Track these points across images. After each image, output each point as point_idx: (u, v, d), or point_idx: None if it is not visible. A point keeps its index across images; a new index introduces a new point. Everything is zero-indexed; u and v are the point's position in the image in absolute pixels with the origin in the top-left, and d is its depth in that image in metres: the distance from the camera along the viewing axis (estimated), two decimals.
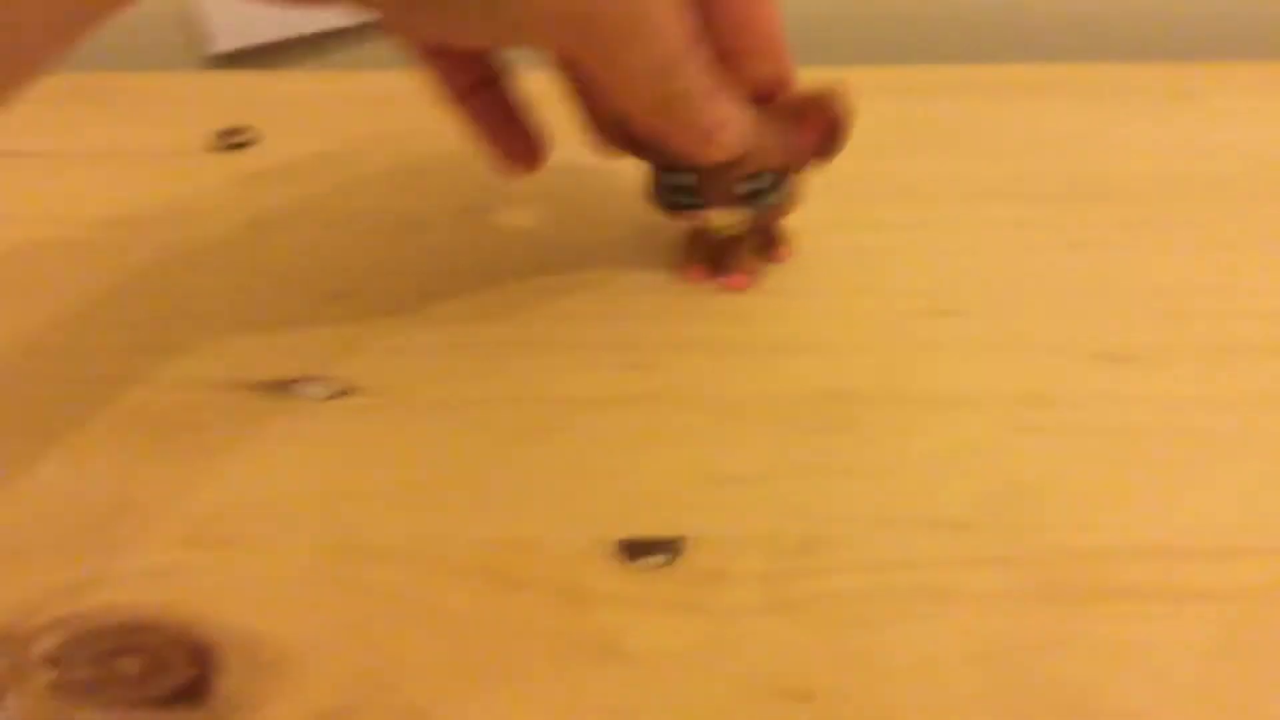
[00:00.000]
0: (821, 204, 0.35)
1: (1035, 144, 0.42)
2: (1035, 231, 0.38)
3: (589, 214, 0.37)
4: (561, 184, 0.39)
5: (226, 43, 0.48)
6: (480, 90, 0.33)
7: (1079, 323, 0.34)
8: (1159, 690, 0.24)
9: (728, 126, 0.31)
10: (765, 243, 0.36)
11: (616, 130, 0.33)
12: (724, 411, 0.31)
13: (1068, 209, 0.39)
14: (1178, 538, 0.27)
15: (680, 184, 0.32)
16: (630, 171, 0.34)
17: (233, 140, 0.42)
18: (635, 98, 0.29)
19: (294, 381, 0.32)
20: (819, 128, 0.32)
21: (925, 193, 0.39)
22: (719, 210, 0.32)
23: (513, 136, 0.34)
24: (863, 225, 0.38)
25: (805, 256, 0.36)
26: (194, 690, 0.24)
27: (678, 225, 0.35)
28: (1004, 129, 0.43)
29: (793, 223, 0.35)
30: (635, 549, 0.27)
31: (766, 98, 0.32)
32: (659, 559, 0.27)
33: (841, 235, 0.37)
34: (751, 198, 0.32)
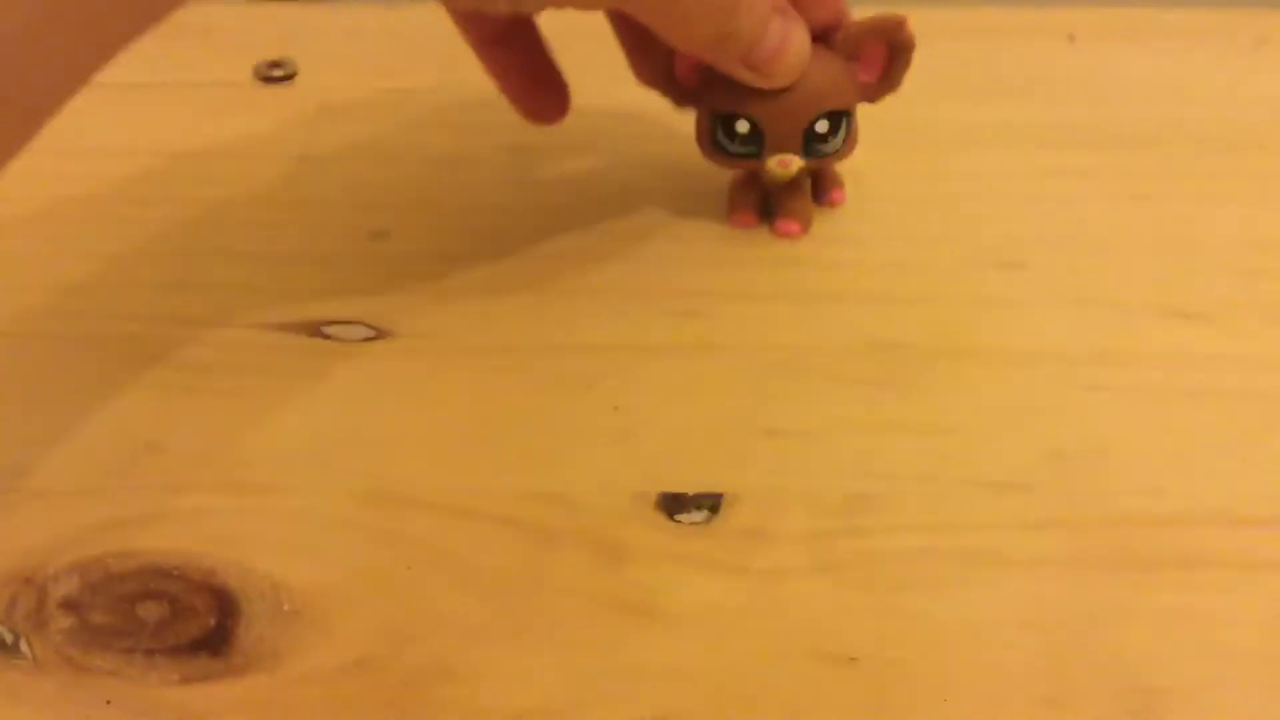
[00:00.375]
0: (880, 151, 0.35)
1: (1103, 91, 0.42)
2: (1098, 181, 0.37)
3: (637, 158, 0.37)
4: (609, 126, 0.39)
5: None
6: (503, 39, 0.33)
7: (1144, 278, 0.33)
8: (1219, 661, 0.24)
9: (788, 50, 0.30)
10: (819, 187, 0.35)
11: (668, 77, 0.32)
12: (771, 362, 0.31)
13: (1133, 158, 0.38)
14: (1244, 505, 0.27)
15: (738, 131, 0.32)
16: (679, 115, 0.34)
17: (273, 73, 0.42)
18: (694, 36, 0.29)
19: (329, 323, 0.32)
20: (879, 58, 0.32)
21: (987, 141, 0.39)
22: (778, 159, 0.32)
23: (535, 86, 0.34)
24: (921, 174, 0.37)
25: (862, 204, 0.36)
26: (216, 638, 0.24)
27: (726, 170, 0.35)
28: (1072, 75, 0.43)
29: (850, 169, 0.35)
30: (675, 504, 0.27)
31: (822, 37, 0.31)
32: (700, 515, 0.27)
33: (899, 183, 0.37)
34: (814, 142, 0.32)
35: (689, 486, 0.27)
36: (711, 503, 0.27)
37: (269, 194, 0.37)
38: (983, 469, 0.28)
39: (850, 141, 0.33)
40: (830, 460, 0.28)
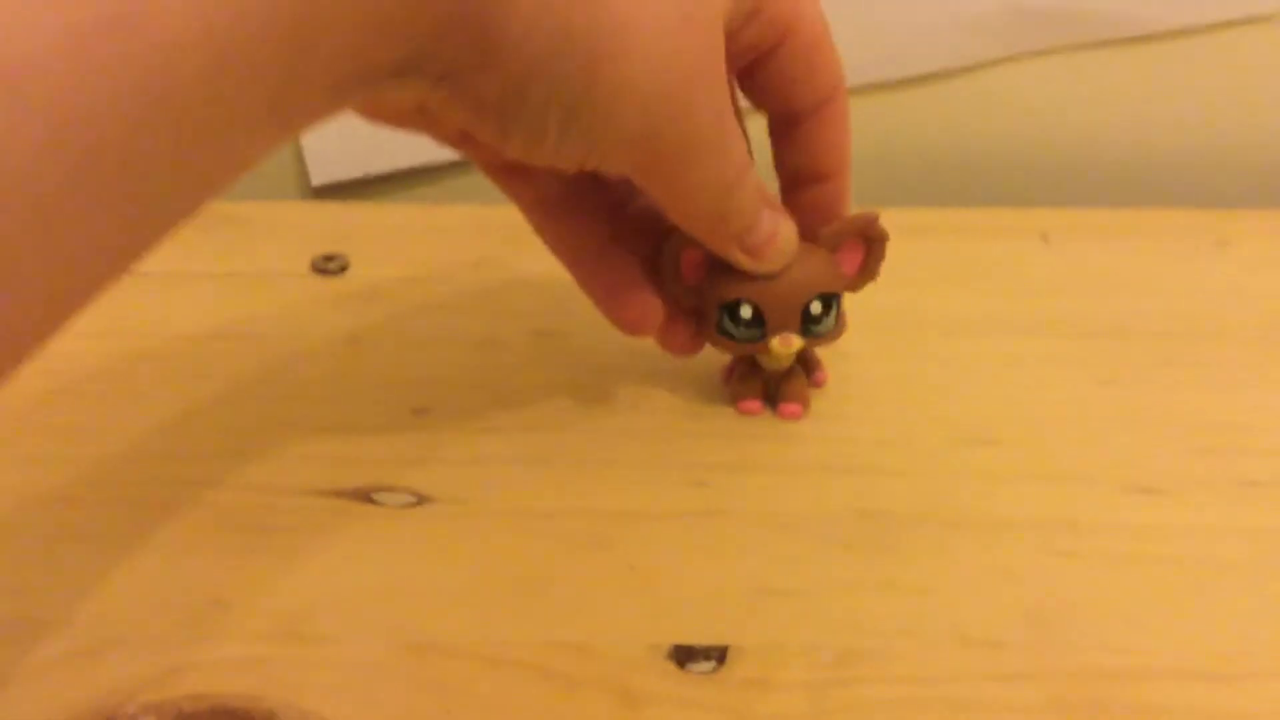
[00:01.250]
0: (867, 335, 0.37)
1: (1073, 285, 0.43)
2: (1068, 367, 0.39)
3: (651, 344, 0.38)
4: None
5: (321, 176, 0.51)
6: (559, 208, 0.34)
7: (1108, 454, 0.35)
8: None
9: (778, 238, 0.32)
10: (805, 369, 0.37)
11: (676, 276, 0.34)
12: (772, 528, 0.33)
13: (1100, 346, 0.40)
14: (1198, 661, 0.29)
15: (741, 316, 0.34)
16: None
17: (328, 266, 0.44)
18: (694, 213, 0.31)
19: (375, 490, 0.34)
20: (857, 253, 0.34)
21: (965, 328, 0.41)
22: (780, 338, 0.34)
23: (609, 280, 0.34)
24: (905, 357, 0.39)
25: (852, 384, 0.38)
26: None
27: (726, 359, 0.37)
28: (1045, 270, 0.45)
29: (840, 352, 0.37)
30: (685, 655, 0.29)
31: (810, 232, 0.34)
32: (707, 665, 0.29)
33: (885, 365, 0.39)
34: (810, 323, 0.34)
35: (698, 639, 0.29)
36: (718, 654, 0.29)
37: (323, 373, 0.39)
38: (961, 626, 0.29)
39: (840, 324, 0.35)
40: (824, 617, 0.30)
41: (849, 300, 0.35)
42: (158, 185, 0.21)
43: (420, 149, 0.50)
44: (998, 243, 0.46)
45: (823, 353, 0.38)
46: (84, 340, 0.40)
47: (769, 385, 0.37)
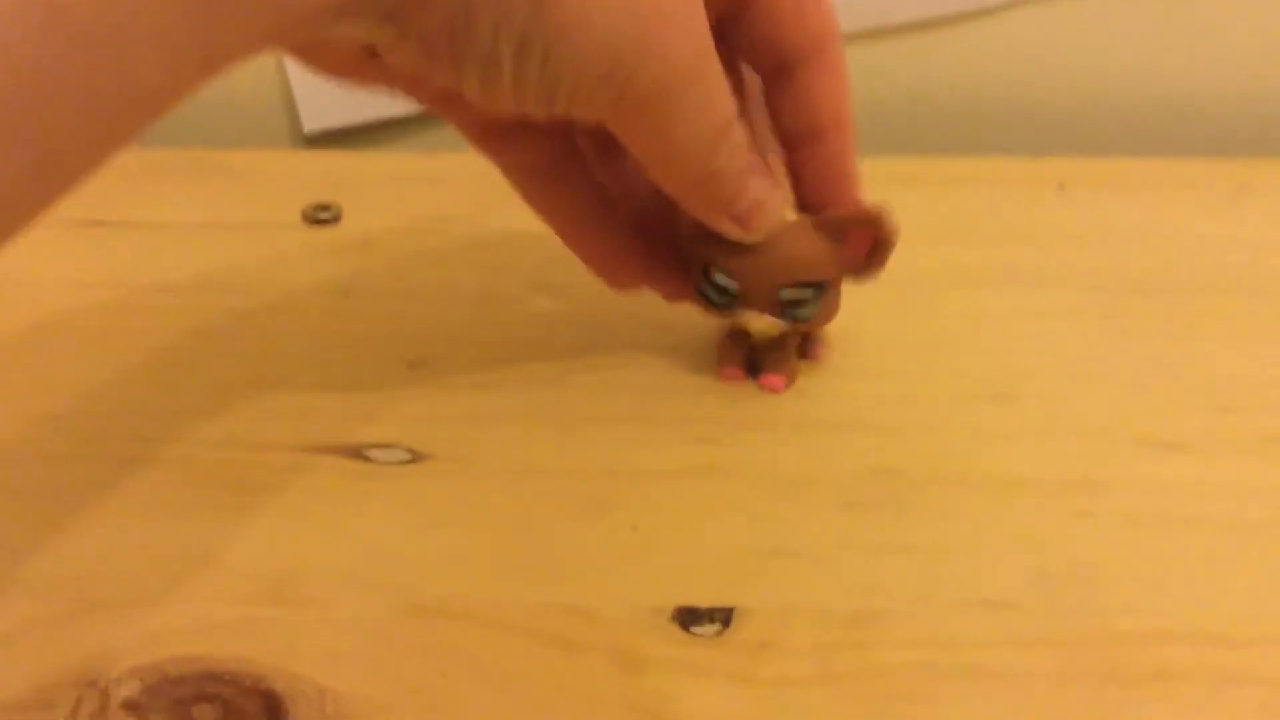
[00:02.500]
0: (879, 290, 0.36)
1: (1091, 236, 0.43)
2: (1085, 321, 0.38)
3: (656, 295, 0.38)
4: None
5: (313, 124, 0.50)
6: (542, 171, 0.33)
7: (1128, 411, 0.34)
8: None
9: (764, 208, 0.31)
10: (803, 342, 0.36)
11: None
12: (780, 487, 0.32)
13: (1120, 300, 0.39)
14: (1220, 623, 0.28)
15: (722, 285, 0.33)
16: None
17: (320, 216, 0.44)
18: (676, 172, 0.30)
19: (369, 446, 0.33)
20: (863, 244, 0.32)
21: (981, 282, 0.40)
22: (753, 315, 0.33)
23: (592, 231, 0.34)
24: (917, 311, 0.39)
25: (863, 339, 0.37)
26: None
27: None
28: (1060, 221, 0.44)
29: (853, 307, 0.36)
30: (689, 617, 0.28)
31: (817, 200, 0.32)
32: (712, 628, 0.28)
33: (897, 320, 0.38)
34: (790, 307, 0.33)
35: (702, 601, 0.28)
36: (723, 616, 0.28)
37: (315, 327, 0.38)
38: (976, 589, 0.29)
39: (829, 310, 0.33)
40: (834, 579, 0.29)
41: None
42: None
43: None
44: (1012, 193, 0.45)
45: None
46: (67, 291, 0.40)
47: (755, 352, 0.35)
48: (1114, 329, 0.38)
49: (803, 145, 0.32)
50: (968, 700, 0.26)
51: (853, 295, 0.34)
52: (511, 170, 0.33)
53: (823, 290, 0.33)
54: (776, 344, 0.35)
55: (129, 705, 0.26)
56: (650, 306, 0.36)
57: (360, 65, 0.28)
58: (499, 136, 0.32)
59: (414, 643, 0.27)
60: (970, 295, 0.40)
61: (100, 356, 0.36)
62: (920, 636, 0.28)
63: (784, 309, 0.33)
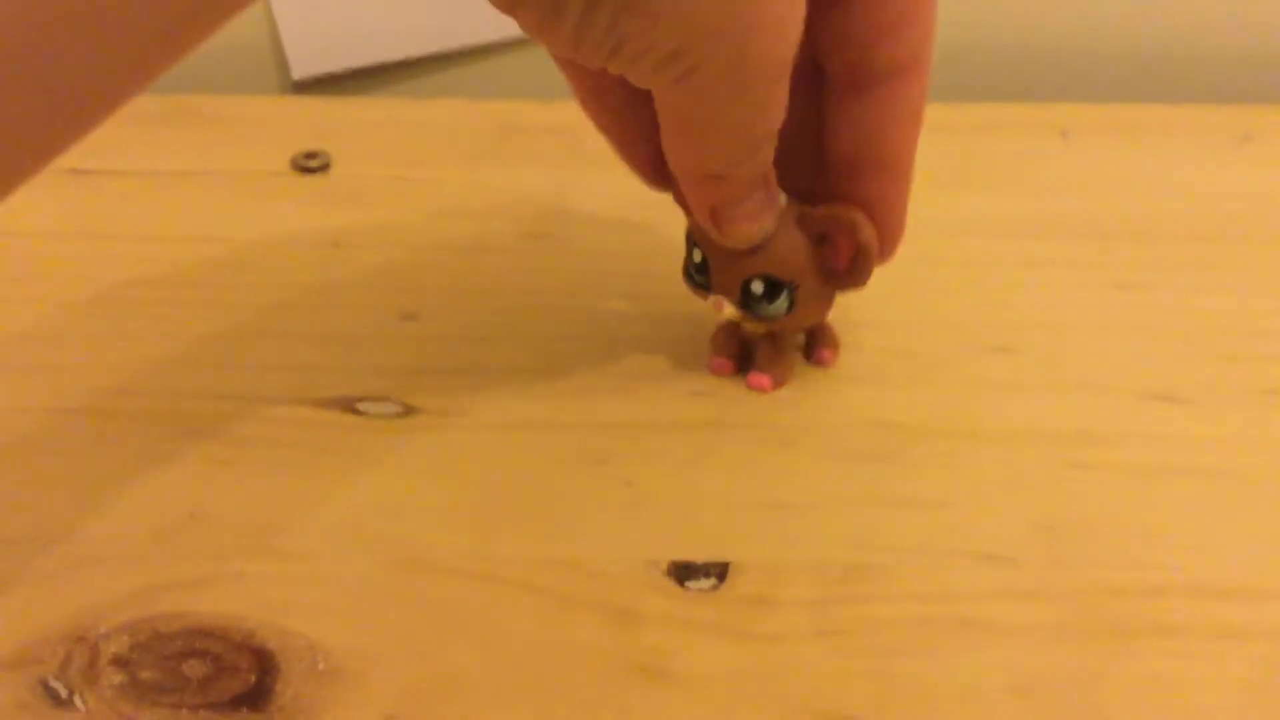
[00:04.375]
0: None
1: (1093, 184, 0.42)
2: (1086, 270, 0.38)
3: (653, 244, 0.37)
4: (631, 211, 0.40)
5: (302, 70, 0.49)
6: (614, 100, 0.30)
7: (1127, 362, 0.34)
8: None
9: (751, 224, 0.29)
10: (811, 343, 0.34)
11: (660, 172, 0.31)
12: (778, 439, 0.32)
13: (1120, 248, 0.39)
14: (1219, 576, 0.28)
15: (698, 263, 0.31)
16: None
17: (309, 164, 0.43)
18: (694, 158, 0.28)
19: (360, 399, 0.33)
20: (846, 252, 0.30)
21: (981, 230, 0.40)
22: (714, 299, 0.31)
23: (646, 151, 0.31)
24: (918, 261, 0.37)
25: (861, 290, 0.36)
26: (255, 695, 0.25)
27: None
28: (1063, 168, 0.43)
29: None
30: (684, 572, 0.28)
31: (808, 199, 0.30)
32: (708, 583, 0.28)
33: (894, 269, 0.36)
34: (755, 301, 0.31)
35: (698, 555, 0.28)
36: (719, 571, 0.28)
37: (305, 278, 0.37)
38: (974, 541, 0.29)
39: (797, 315, 0.31)
40: (830, 532, 0.29)
41: None
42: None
43: (407, 40, 0.49)
44: (1014, 140, 0.45)
45: None
46: (51, 240, 0.39)
47: (748, 346, 0.34)
48: (1115, 278, 0.37)
49: (847, 175, 0.30)
50: (965, 653, 0.26)
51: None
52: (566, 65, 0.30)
53: (792, 291, 0.31)
54: (769, 341, 0.33)
55: (118, 661, 0.26)
56: (646, 259, 0.36)
57: None
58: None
59: (406, 598, 0.27)
60: (971, 244, 0.39)
61: (84, 308, 0.36)
62: (918, 590, 0.27)
63: (749, 301, 0.31)
